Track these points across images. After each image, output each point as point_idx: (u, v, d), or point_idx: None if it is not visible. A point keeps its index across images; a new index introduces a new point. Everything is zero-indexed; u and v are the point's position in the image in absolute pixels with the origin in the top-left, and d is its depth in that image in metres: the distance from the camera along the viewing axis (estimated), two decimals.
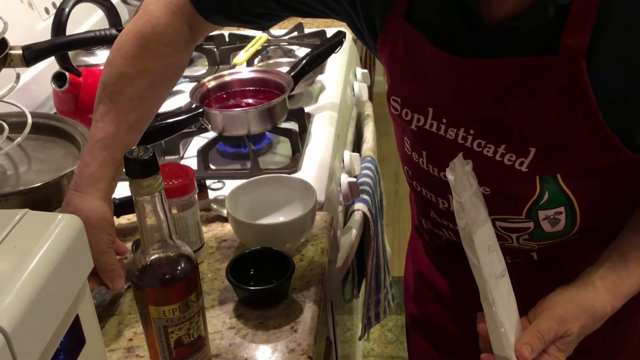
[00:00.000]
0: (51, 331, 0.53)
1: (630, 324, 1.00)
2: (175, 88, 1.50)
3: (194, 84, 1.31)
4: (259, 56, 1.61)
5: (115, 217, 1.07)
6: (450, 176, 0.76)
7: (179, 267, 0.72)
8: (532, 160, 0.80)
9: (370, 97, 2.05)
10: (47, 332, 0.53)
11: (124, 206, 1.04)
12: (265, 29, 1.01)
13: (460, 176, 0.76)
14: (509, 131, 0.80)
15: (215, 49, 1.65)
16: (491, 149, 0.82)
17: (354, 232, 1.28)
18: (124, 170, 0.79)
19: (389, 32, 0.85)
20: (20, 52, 0.99)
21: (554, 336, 0.78)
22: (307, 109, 1.37)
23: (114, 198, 1.04)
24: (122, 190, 0.93)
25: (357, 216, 1.30)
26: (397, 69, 0.88)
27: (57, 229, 0.56)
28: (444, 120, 0.84)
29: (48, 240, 0.55)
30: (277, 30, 1.73)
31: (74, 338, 0.59)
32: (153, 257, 0.71)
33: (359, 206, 1.31)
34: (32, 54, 1.00)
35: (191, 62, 1.67)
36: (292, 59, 1.55)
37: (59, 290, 0.55)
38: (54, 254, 0.55)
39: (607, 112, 0.75)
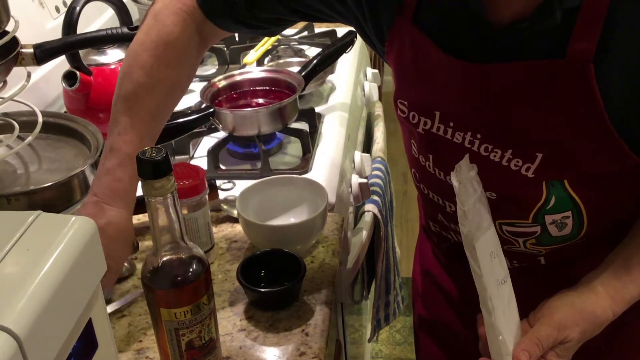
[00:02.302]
0: (64, 336, 0.53)
1: (637, 328, 0.99)
2: None
3: (204, 83, 1.31)
4: (269, 56, 1.60)
5: None
6: (454, 182, 0.75)
7: (191, 269, 0.71)
8: (539, 166, 0.79)
9: (380, 97, 2.04)
10: (60, 336, 0.52)
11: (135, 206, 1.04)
12: (274, 34, 1.01)
13: (464, 182, 0.76)
14: (515, 136, 0.80)
15: (225, 49, 1.64)
16: (498, 153, 0.81)
17: (364, 233, 1.27)
18: None
19: (396, 35, 0.84)
20: (31, 50, 0.98)
21: (552, 342, 0.77)
22: (317, 109, 1.36)
23: None
24: None
25: (367, 217, 1.30)
26: (404, 72, 0.87)
27: (71, 232, 0.55)
28: (451, 124, 0.84)
29: (61, 242, 0.54)
30: (287, 30, 1.72)
31: (87, 342, 0.58)
32: (165, 259, 0.70)
33: (370, 207, 1.30)
34: (44, 53, 0.99)
35: (201, 62, 1.66)
36: (303, 59, 1.54)
37: (72, 294, 0.54)
38: (68, 257, 0.54)
39: (615, 117, 0.74)
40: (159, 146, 0.67)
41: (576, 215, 0.83)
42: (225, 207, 1.11)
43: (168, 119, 1.13)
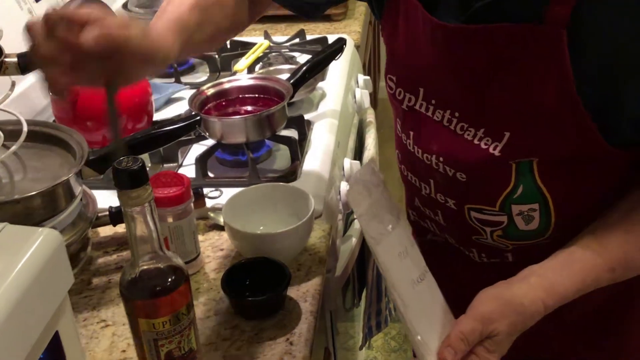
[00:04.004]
0: (26, 350, 0.52)
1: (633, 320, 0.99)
2: (176, 95, 1.50)
3: (194, 91, 1.30)
4: (260, 63, 1.60)
5: (112, 226, 1.07)
6: (347, 187, 0.76)
7: (170, 279, 0.71)
8: (505, 144, 0.80)
9: (375, 103, 2.04)
10: (22, 351, 0.51)
11: (121, 214, 1.03)
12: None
13: (355, 188, 0.75)
14: (487, 112, 0.81)
15: (216, 56, 1.64)
16: (471, 132, 0.83)
17: (353, 240, 1.27)
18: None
19: (392, 4, 0.87)
20: (15, 59, 0.98)
21: (479, 336, 0.76)
22: (307, 116, 1.36)
23: (111, 207, 1.04)
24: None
25: (357, 224, 1.29)
26: (395, 44, 0.90)
27: (36, 243, 0.55)
28: (433, 102, 0.87)
29: (25, 255, 0.53)
30: (278, 37, 1.73)
31: (53, 355, 0.57)
32: (143, 269, 0.70)
33: None
34: (28, 62, 0.98)
35: (192, 69, 1.67)
36: (294, 66, 1.53)
37: (36, 306, 0.53)
38: (31, 269, 0.53)
39: (586, 89, 0.74)
40: (135, 156, 0.66)
41: (543, 210, 0.83)
42: (212, 215, 1.10)
43: (155, 127, 1.14)
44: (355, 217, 0.76)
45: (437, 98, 0.86)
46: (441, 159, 0.87)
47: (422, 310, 0.76)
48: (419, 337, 0.76)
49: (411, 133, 0.92)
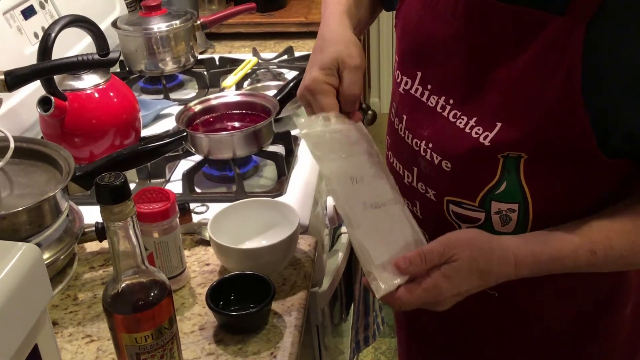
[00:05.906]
0: None
1: (617, 315, 0.99)
2: (165, 111, 1.51)
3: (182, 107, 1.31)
4: (249, 79, 1.61)
5: (98, 241, 1.07)
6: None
7: (152, 294, 0.72)
8: (496, 135, 0.81)
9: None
10: None
11: None
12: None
13: (309, 119, 0.81)
14: (484, 99, 0.82)
15: (205, 72, 1.66)
16: (464, 120, 0.84)
17: (340, 255, 1.28)
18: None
19: None
20: (2, 77, 0.99)
21: (437, 258, 0.77)
22: (294, 132, 1.37)
23: (97, 222, 1.04)
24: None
25: (343, 239, 1.30)
26: (408, 17, 0.92)
27: (14, 259, 0.55)
28: (429, 87, 0.88)
29: (4, 269, 0.54)
30: (266, 54, 1.75)
31: None
32: (125, 284, 0.71)
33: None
34: (14, 79, 1.00)
35: (181, 86, 1.68)
36: (282, 82, 1.55)
37: (15, 319, 0.54)
38: (10, 283, 0.54)
39: (591, 91, 0.74)
40: (117, 172, 0.67)
41: (522, 211, 0.84)
42: (198, 230, 1.11)
43: (142, 143, 1.16)
44: (301, 136, 0.80)
45: (434, 83, 0.88)
46: (430, 145, 0.88)
47: (375, 233, 0.77)
48: (364, 246, 0.77)
49: (404, 117, 0.93)
